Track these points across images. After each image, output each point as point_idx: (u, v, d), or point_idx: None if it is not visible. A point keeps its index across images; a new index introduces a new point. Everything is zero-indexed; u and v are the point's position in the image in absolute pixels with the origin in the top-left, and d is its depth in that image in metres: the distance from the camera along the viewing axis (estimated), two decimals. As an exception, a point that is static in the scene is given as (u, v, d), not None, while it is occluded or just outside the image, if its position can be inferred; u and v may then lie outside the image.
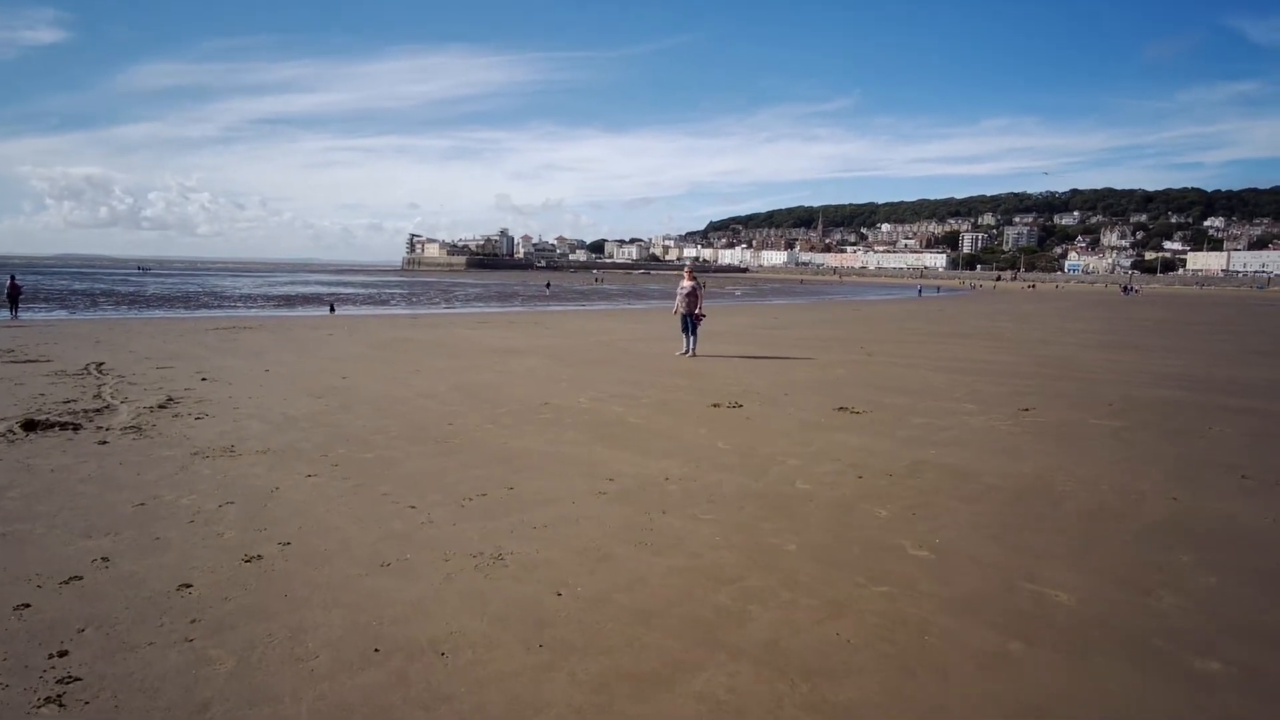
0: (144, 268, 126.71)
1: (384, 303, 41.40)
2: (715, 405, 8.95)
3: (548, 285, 72.56)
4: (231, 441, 6.67)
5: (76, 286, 54.41)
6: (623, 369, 12.28)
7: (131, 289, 52.10)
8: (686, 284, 14.33)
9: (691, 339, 14.19)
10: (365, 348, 15.29)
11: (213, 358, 13.16)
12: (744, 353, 15.15)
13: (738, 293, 62.57)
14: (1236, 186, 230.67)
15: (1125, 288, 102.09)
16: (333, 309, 32.06)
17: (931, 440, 7.27)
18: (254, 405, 8.50)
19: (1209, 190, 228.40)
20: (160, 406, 8.24)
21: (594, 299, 52.15)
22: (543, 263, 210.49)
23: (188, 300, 40.69)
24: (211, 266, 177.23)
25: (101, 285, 57.89)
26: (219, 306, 35.89)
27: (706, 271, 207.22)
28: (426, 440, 6.90)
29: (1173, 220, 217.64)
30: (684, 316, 14.27)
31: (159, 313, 30.69)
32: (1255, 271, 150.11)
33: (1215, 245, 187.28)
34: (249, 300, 41.58)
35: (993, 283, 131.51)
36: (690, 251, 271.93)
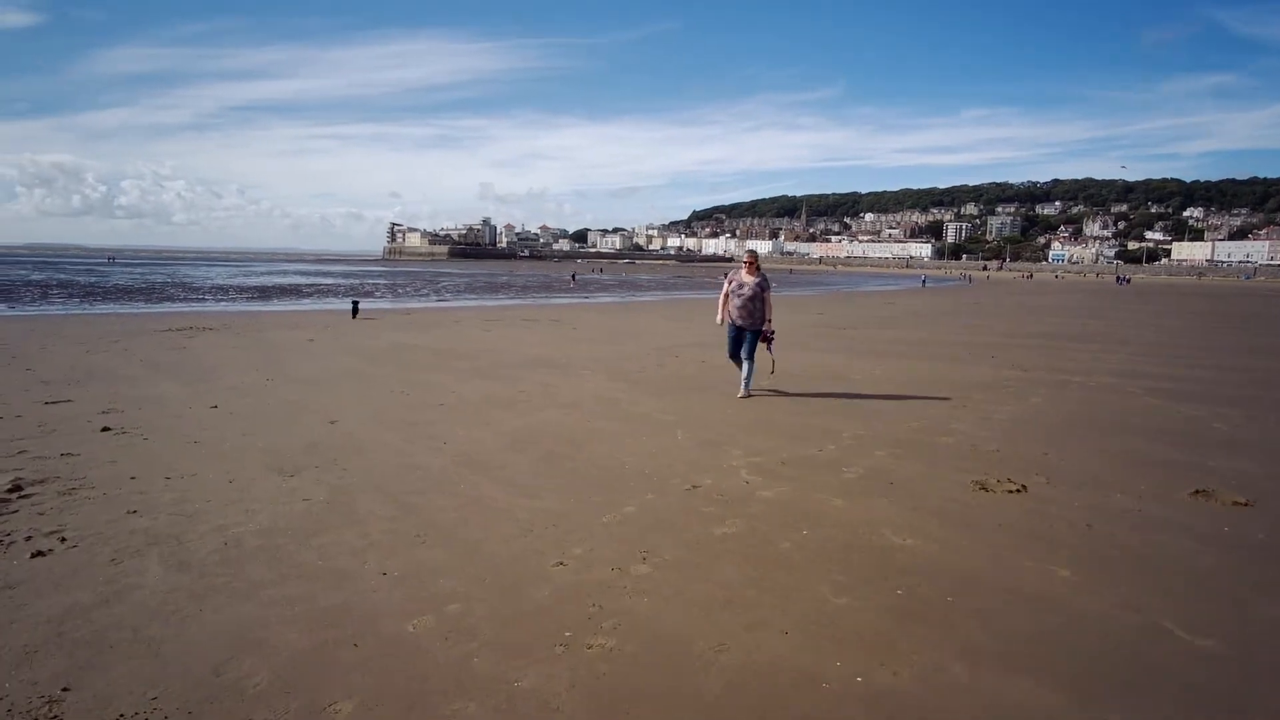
0: (112, 257, 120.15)
1: (368, 294, 36.97)
2: (983, 488, 5.19)
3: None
4: (71, 661, 2.78)
5: (34, 277, 49.03)
6: (735, 402, 8.47)
7: (93, 280, 46.73)
8: (747, 279, 8.56)
9: (749, 368, 8.56)
10: (357, 359, 11.33)
11: (142, 381, 9.17)
12: (864, 372, 11.40)
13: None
14: (1214, 177, 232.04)
15: (1119, 278, 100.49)
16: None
17: None
18: (170, 502, 4.59)
19: (1188, 181, 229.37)
20: (-18, 514, 4.30)
21: (593, 290, 48.10)
22: (525, 252, 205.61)
23: (150, 293, 35.80)
24: (186, 256, 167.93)
25: (62, 275, 52.41)
26: (184, 299, 31.28)
27: (693, 260, 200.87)
28: (539, 639, 3.07)
29: (1153, 210, 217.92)
30: (740, 332, 8.60)
31: (112, 307, 26.10)
32: (1240, 261, 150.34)
33: (1196, 235, 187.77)
34: (219, 292, 36.76)
35: (984, 273, 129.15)
36: (674, 241, 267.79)
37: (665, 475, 5.34)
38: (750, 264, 8.70)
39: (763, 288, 8.56)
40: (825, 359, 12.31)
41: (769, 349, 8.78)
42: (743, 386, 8.56)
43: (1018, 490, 5.13)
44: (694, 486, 5.09)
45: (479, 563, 3.76)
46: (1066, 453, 6.25)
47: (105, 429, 6.51)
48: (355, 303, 21.17)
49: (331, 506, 4.57)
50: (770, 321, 8.61)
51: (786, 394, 8.85)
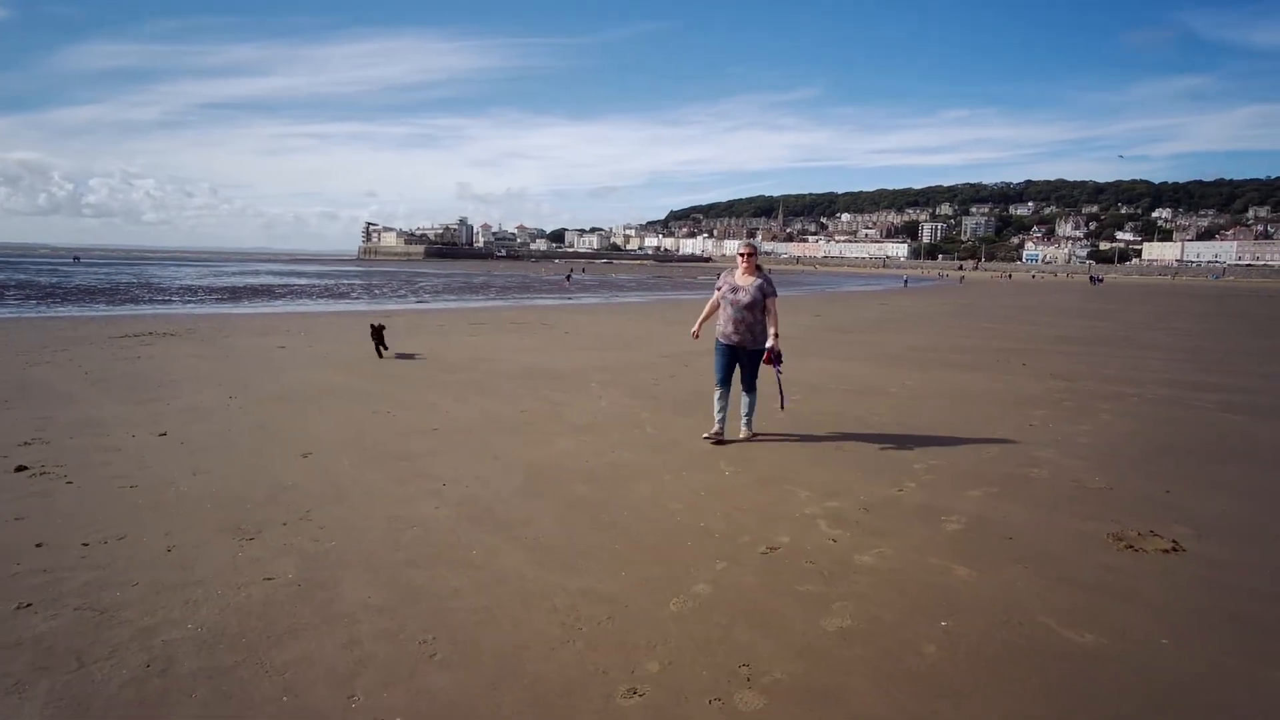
0: (78, 257, 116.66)
1: (343, 295, 35.34)
2: (1128, 546, 4.17)
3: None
4: None
5: (-9, 278, 46.67)
6: (776, 424, 7.38)
7: (55, 280, 44.29)
8: (744, 281, 6.36)
9: (750, 402, 6.51)
10: (334, 371, 10.09)
11: (81, 400, 7.87)
12: (898, 384, 10.40)
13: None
14: (1182, 179, 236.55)
15: (1093, 278, 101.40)
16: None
17: None
18: (82, 586, 3.40)
19: (1156, 182, 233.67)
20: None
21: (574, 291, 46.86)
22: (503, 252, 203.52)
23: (113, 294, 33.71)
24: (155, 256, 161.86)
25: (21, 276, 49.83)
26: (148, 301, 29.44)
27: (670, 260, 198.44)
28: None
29: (1123, 211, 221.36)
30: (733, 353, 6.39)
31: (69, 310, 24.30)
32: (1209, 261, 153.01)
33: (1165, 236, 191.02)
34: (186, 293, 34.77)
35: (960, 272, 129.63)
36: (651, 241, 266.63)
37: (730, 531, 4.25)
38: (748, 258, 6.36)
39: (765, 293, 6.26)
40: (848, 368, 11.30)
41: (777, 374, 6.42)
42: (743, 425, 6.50)
43: (1172, 549, 4.11)
44: (770, 549, 4.00)
45: (518, 694, 2.63)
46: (1190, 490, 5.26)
47: (20, 468, 5.27)
48: (378, 330, 11.74)
49: (303, 591, 3.41)
50: (777, 338, 6.19)
51: (826, 417, 7.80)
